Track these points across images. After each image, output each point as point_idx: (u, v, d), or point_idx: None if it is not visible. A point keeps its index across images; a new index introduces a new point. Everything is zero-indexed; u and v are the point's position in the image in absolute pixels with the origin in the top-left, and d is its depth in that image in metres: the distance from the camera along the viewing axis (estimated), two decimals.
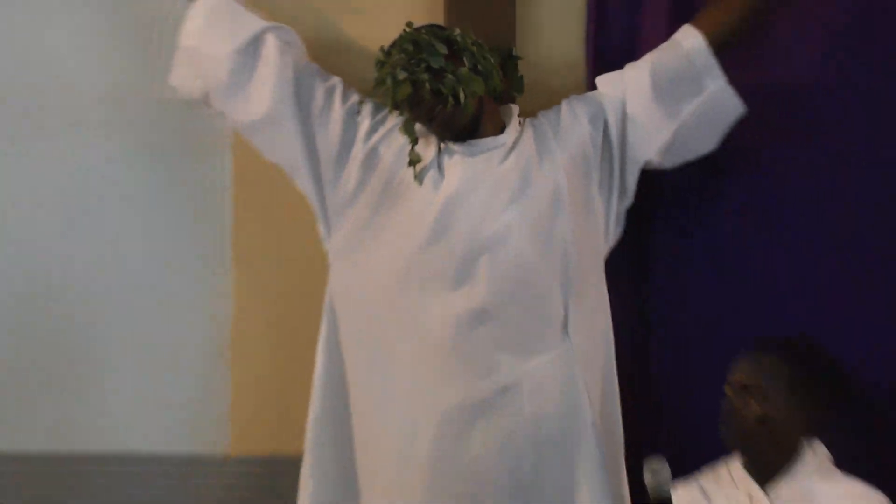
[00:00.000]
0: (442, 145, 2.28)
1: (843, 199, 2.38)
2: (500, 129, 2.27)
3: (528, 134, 2.30)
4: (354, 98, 2.31)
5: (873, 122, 2.33)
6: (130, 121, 2.59)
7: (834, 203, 2.41)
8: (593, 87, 2.35)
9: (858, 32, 2.37)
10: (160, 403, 2.65)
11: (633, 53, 2.35)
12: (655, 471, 2.19)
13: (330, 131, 2.32)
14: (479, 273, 2.27)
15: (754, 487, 2.43)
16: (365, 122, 2.31)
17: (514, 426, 2.29)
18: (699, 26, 2.29)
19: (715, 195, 2.42)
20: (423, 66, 2.19)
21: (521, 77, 2.39)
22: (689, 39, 2.28)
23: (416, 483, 2.32)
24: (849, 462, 2.32)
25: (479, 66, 2.22)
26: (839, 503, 2.38)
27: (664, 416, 2.55)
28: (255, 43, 2.32)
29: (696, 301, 2.47)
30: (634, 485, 2.45)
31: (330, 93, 2.31)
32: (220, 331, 2.62)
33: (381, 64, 2.22)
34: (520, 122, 2.32)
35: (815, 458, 2.44)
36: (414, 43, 2.21)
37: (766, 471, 2.41)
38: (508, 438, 2.31)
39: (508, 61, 2.37)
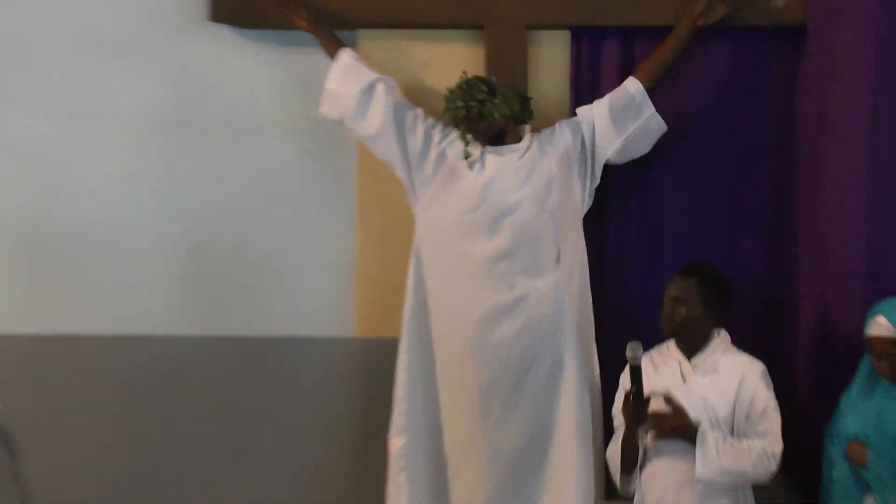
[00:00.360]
0: (482, 148, 3.62)
1: (719, 178, 3.83)
2: (518, 139, 3.62)
3: (535, 143, 3.64)
4: (430, 121, 3.68)
5: (728, 133, 3.82)
6: (296, 130, 4.03)
7: (716, 181, 3.86)
8: (574, 114, 3.73)
9: (723, 80, 3.83)
10: (313, 301, 4.05)
11: (597, 94, 3.74)
12: (634, 348, 3.41)
13: (416, 141, 3.67)
14: (503, 228, 3.61)
15: (683, 359, 3.59)
16: (437, 135, 3.67)
17: (524, 321, 3.64)
18: (637, 77, 3.68)
19: (644, 179, 3.82)
20: (472, 99, 3.54)
21: (531, 109, 3.73)
22: (632, 84, 3.66)
23: (466, 354, 3.68)
24: (740, 342, 3.55)
25: (505, 100, 3.58)
26: (734, 368, 3.56)
27: (622, 316, 3.88)
28: (371, 87, 3.66)
29: (636, 242, 3.86)
30: (603, 363, 3.81)
31: (415, 118, 3.67)
32: (349, 258, 4.03)
33: (448, 98, 3.60)
34: (529, 136, 3.66)
35: (720, 340, 3.60)
36: (467, 84, 3.58)
37: (690, 349, 3.57)
38: (521, 328, 3.65)
39: (524, 99, 3.72)
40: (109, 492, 4.21)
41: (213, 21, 4.01)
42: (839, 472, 3.64)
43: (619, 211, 3.93)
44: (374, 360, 4.13)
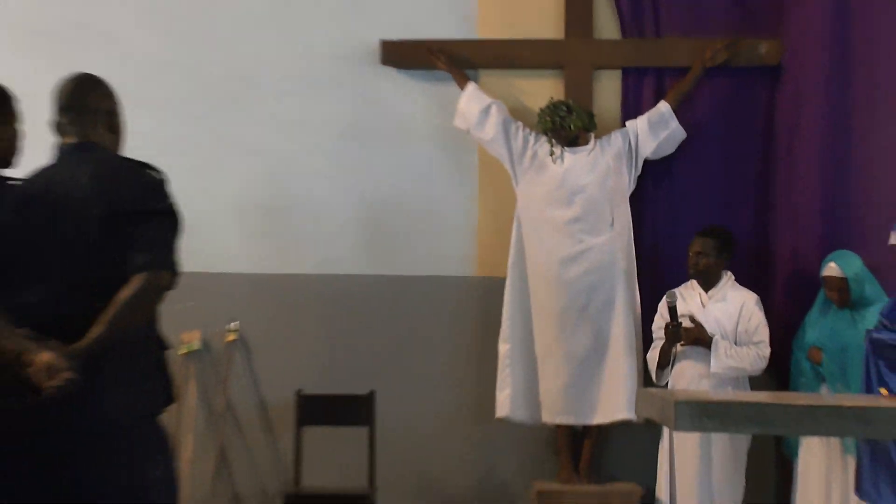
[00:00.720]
0: (562, 149, 5.07)
1: (721, 169, 5.22)
2: (586, 143, 5.07)
3: (597, 145, 5.09)
4: (527, 130, 5.13)
5: (727, 139, 5.17)
6: (438, 136, 5.45)
7: (719, 171, 5.24)
8: (623, 126, 5.18)
9: (724, 102, 5.20)
10: (448, 251, 5.42)
11: (639, 112, 5.18)
12: (671, 295, 4.69)
13: (517, 144, 5.13)
14: (575, 202, 5.03)
15: (702, 292, 4.84)
16: (531, 140, 5.12)
17: (588, 265, 5.02)
18: (666, 100, 5.12)
19: (670, 170, 5.22)
20: (556, 115, 5.01)
21: (595, 122, 5.15)
22: (663, 105, 5.12)
23: (550, 287, 5.05)
24: (739, 279, 4.82)
25: (578, 116, 5.02)
26: (737, 298, 4.76)
27: (654, 264, 5.20)
28: (487, 108, 5.14)
29: (664, 213, 5.23)
30: (642, 296, 5.09)
31: (517, 128, 5.13)
32: (472, 221, 5.44)
33: (540, 114, 5.06)
34: (594, 140, 5.09)
35: (727, 279, 4.85)
36: (553, 106, 5.05)
37: (707, 285, 4.82)
38: (586, 270, 5.02)
39: (590, 116, 5.14)
40: (313, 383, 5.37)
41: (383, 64, 5.48)
42: (803, 369, 4.73)
43: (653, 191, 5.33)
44: (489, 292, 5.46)
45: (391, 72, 5.55)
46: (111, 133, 3.45)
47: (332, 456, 5.44)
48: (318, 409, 5.41)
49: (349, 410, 5.41)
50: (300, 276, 5.59)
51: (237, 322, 5.47)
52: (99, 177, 3.29)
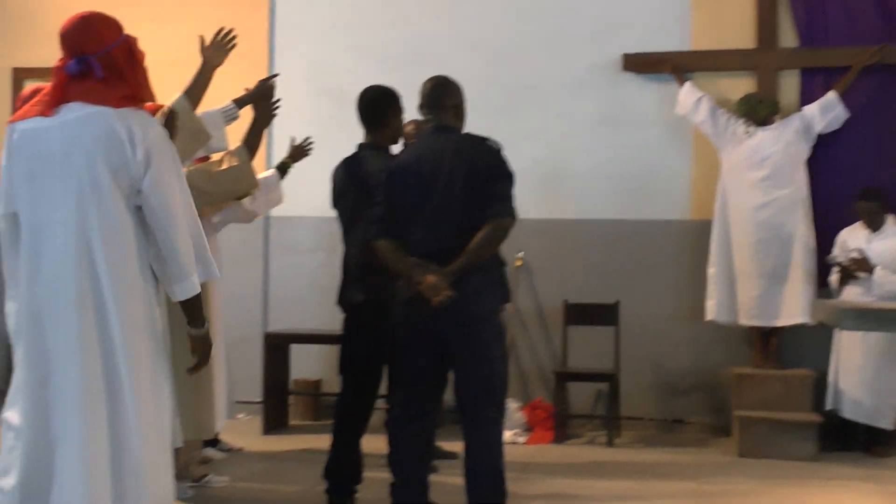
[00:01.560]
0: (755, 127, 6.54)
1: (873, 140, 6.47)
2: (773, 122, 6.52)
3: (782, 124, 6.51)
4: (728, 114, 6.56)
5: (878, 119, 6.47)
6: (665, 121, 6.88)
7: (872, 141, 6.46)
8: (801, 110, 6.48)
9: (879, 91, 6.44)
10: (671, 203, 6.83)
11: (813, 99, 6.47)
12: (832, 257, 6.16)
13: (721, 124, 6.61)
14: (765, 165, 6.43)
15: (868, 231, 6.08)
16: (731, 121, 6.58)
17: (774, 212, 6.32)
18: (835, 89, 6.43)
19: (836, 142, 6.46)
20: (750, 103, 6.52)
21: (780, 108, 6.53)
22: (832, 94, 6.43)
23: (747, 227, 6.39)
24: None
25: (767, 104, 6.50)
26: None
27: (824, 211, 6.44)
28: (699, 99, 6.64)
29: (833, 174, 6.45)
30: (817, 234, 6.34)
31: (721, 113, 6.57)
32: (686, 182, 6.80)
33: (738, 103, 6.51)
34: (779, 120, 6.49)
35: (891, 222, 6.08)
36: (748, 97, 6.54)
37: (873, 227, 6.07)
38: (772, 214, 6.35)
39: (776, 104, 6.54)
40: (575, 295, 6.71)
41: (625, 70, 6.81)
42: None
43: (823, 157, 6.49)
44: (701, 230, 6.64)
45: (631, 76, 6.90)
46: (457, 120, 4.05)
47: (589, 346, 6.72)
48: (579, 314, 6.73)
49: (601, 315, 6.67)
50: (566, 220, 6.98)
51: (522, 252, 6.75)
52: (459, 150, 3.87)
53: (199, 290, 3.12)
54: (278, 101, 4.84)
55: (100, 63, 3.05)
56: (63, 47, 3.12)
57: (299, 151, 5.57)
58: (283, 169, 5.60)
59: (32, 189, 3.05)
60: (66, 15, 3.24)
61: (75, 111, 3.04)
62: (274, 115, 4.82)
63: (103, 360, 2.99)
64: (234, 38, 4.38)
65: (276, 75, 4.88)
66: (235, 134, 4.89)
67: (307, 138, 5.55)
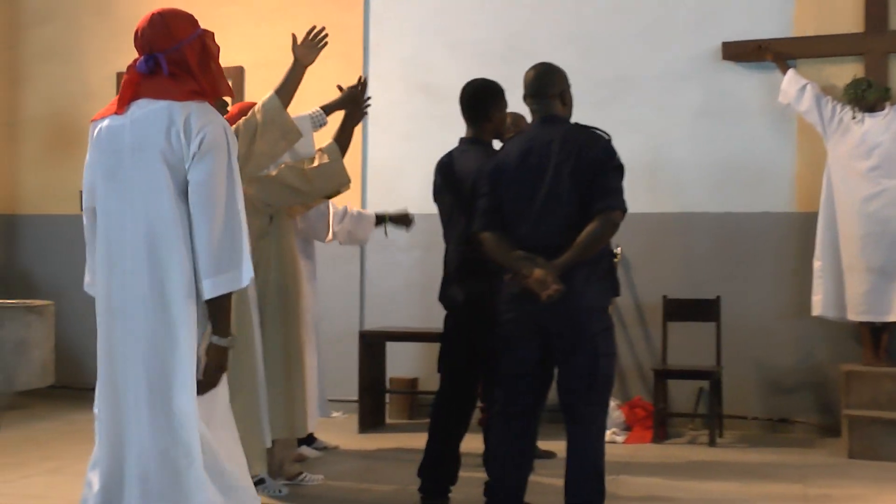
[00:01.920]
0: (863, 114, 6.34)
1: None
2: (882, 108, 6.29)
3: (891, 110, 6.29)
4: (834, 101, 6.36)
5: None
6: (769, 111, 6.74)
7: None
8: None
9: None
10: (777, 195, 6.69)
11: None
12: None
13: (827, 112, 6.42)
14: (873, 154, 6.23)
15: None
16: (838, 108, 6.38)
17: (883, 203, 6.13)
18: None
19: None
20: (859, 89, 6.31)
21: (890, 94, 6.33)
22: None
23: (854, 218, 6.21)
24: None
25: (876, 90, 6.30)
26: None
27: None
28: (803, 87, 6.46)
29: None
30: None
31: (827, 101, 6.41)
32: (791, 171, 6.68)
33: (846, 88, 6.31)
34: (889, 107, 6.29)
35: None
36: (856, 82, 6.33)
37: None
38: (881, 207, 6.15)
39: (886, 90, 6.32)
40: (674, 290, 6.62)
41: (724, 59, 6.72)
42: None
43: None
44: (806, 223, 6.55)
45: (731, 65, 6.80)
46: (564, 107, 4.01)
47: (689, 343, 6.64)
48: (679, 309, 6.64)
49: (701, 310, 6.58)
50: (666, 213, 6.87)
51: (620, 247, 6.58)
52: (566, 141, 3.84)
53: (227, 290, 3.07)
54: (369, 98, 4.88)
55: (168, 59, 3.12)
56: (136, 45, 3.20)
57: (403, 219, 5.82)
58: (381, 220, 5.81)
59: (108, 185, 3.14)
60: None
61: (143, 108, 3.12)
62: (364, 114, 4.86)
63: (166, 357, 3.02)
64: (325, 36, 4.41)
65: (364, 80, 4.89)
66: (324, 139, 4.96)
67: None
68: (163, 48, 3.13)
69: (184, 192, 3.06)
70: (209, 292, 3.04)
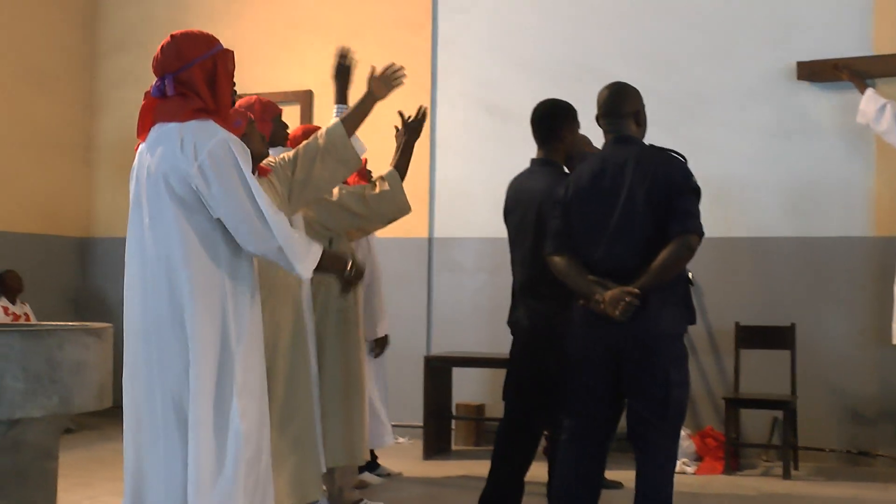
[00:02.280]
0: None
1: None
2: None
3: None
4: None
5: None
6: (846, 131, 6.56)
7: None
8: None
9: None
10: (851, 219, 6.47)
11: None
12: None
13: None
14: None
15: None
16: None
17: None
18: None
19: None
20: None
21: None
22: None
23: None
24: None
25: None
26: None
27: None
28: (882, 106, 6.27)
29: None
30: None
31: None
32: (869, 195, 6.49)
33: None
34: None
35: None
36: None
37: None
38: None
39: None
40: (747, 316, 6.47)
41: (799, 79, 6.61)
42: None
43: None
44: (886, 248, 6.39)
45: (805, 84, 6.68)
46: (638, 127, 3.94)
47: (763, 371, 6.48)
48: (752, 336, 6.47)
49: (775, 338, 6.42)
50: (739, 237, 6.72)
51: (691, 272, 6.44)
52: (640, 162, 3.77)
53: (315, 263, 3.25)
54: (423, 119, 4.80)
55: (176, 80, 3.17)
56: (153, 70, 3.27)
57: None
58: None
59: (134, 211, 3.23)
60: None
61: (157, 132, 3.20)
62: (418, 136, 4.80)
63: (182, 377, 3.07)
64: (403, 76, 4.34)
65: (424, 111, 4.80)
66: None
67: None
68: (172, 69, 3.18)
69: (194, 210, 3.11)
70: (306, 272, 3.23)
